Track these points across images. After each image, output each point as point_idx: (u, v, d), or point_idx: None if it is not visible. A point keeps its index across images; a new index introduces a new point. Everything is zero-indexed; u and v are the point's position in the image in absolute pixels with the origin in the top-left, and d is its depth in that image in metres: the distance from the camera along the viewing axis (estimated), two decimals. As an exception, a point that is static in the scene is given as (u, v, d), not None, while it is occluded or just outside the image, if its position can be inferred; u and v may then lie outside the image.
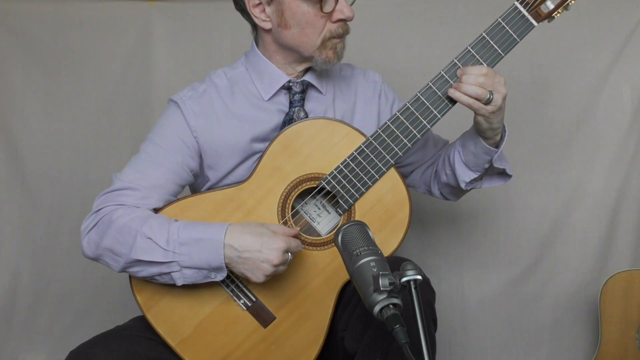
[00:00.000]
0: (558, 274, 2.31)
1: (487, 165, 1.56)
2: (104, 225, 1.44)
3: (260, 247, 1.38)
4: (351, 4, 1.52)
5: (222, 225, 1.41)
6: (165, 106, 1.60)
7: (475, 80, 1.40)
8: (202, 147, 1.55)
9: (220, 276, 1.42)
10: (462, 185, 1.60)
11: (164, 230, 1.41)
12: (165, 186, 1.51)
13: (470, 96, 1.41)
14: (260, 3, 1.51)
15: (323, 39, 1.50)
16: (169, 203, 1.51)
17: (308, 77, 1.59)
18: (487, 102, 1.41)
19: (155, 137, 1.55)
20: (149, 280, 1.46)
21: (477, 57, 1.45)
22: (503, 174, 1.63)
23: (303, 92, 1.58)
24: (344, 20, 1.50)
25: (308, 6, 1.47)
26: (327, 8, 1.47)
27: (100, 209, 1.47)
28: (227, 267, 1.41)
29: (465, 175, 1.59)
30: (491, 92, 1.41)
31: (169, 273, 1.41)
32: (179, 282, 1.42)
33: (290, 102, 1.58)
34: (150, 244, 1.40)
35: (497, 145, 1.52)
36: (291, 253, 1.41)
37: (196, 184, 1.63)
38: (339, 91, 1.65)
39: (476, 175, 1.58)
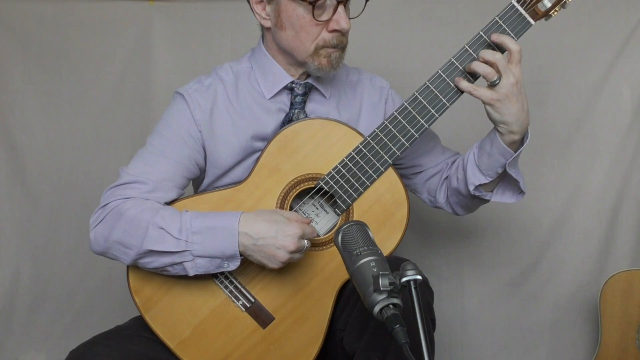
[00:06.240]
0: (558, 274, 2.31)
1: (499, 170, 1.51)
2: (113, 218, 1.42)
3: (275, 234, 1.37)
4: (355, 17, 1.52)
5: (234, 214, 1.40)
6: (169, 101, 1.59)
7: (491, 56, 1.40)
8: (205, 141, 1.54)
9: (233, 265, 1.40)
10: (470, 188, 1.54)
11: (176, 219, 1.40)
12: (173, 179, 1.50)
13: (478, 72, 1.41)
14: (262, 0, 1.51)
15: (316, 47, 1.49)
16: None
17: (312, 80, 1.58)
18: (493, 84, 1.40)
19: (162, 130, 1.54)
20: (159, 272, 1.44)
21: (474, 55, 1.44)
22: (516, 189, 1.58)
23: (305, 94, 1.57)
24: (339, 32, 1.48)
25: (304, 11, 1.46)
26: (323, 17, 1.47)
27: (107, 204, 1.45)
28: (241, 255, 1.39)
29: (474, 178, 1.53)
30: (499, 77, 1.40)
31: (181, 263, 1.40)
32: (191, 272, 1.40)
33: (292, 103, 1.57)
34: (163, 234, 1.38)
35: (515, 150, 1.49)
36: (307, 240, 1.40)
37: (199, 180, 1.62)
38: (344, 96, 1.64)
39: (486, 181, 1.53)
